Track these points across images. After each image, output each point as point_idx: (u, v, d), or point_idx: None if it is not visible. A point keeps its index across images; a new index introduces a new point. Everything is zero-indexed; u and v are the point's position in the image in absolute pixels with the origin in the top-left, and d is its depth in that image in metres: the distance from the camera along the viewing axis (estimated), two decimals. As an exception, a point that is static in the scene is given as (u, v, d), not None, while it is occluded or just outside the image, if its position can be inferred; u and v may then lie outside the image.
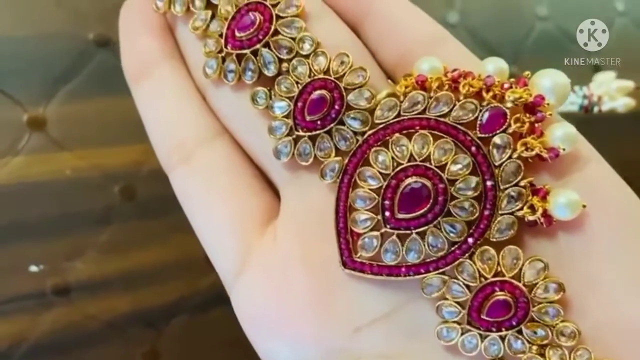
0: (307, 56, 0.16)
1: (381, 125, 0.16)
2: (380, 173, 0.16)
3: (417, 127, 0.16)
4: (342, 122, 0.16)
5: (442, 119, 0.15)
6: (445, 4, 0.35)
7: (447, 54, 0.16)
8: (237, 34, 0.17)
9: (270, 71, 0.16)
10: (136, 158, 0.28)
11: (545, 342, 0.15)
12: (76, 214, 0.27)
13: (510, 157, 0.15)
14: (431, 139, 0.15)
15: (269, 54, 0.16)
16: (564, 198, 0.14)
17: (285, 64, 0.16)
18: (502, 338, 0.15)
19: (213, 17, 0.17)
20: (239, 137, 0.18)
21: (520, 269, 0.15)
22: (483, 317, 0.15)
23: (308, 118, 0.16)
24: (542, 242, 0.15)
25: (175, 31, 0.19)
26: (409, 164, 0.15)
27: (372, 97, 0.16)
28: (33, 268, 0.26)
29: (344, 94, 0.16)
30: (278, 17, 0.16)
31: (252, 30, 0.16)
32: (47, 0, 0.27)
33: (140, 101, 0.19)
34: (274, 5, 0.16)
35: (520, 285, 0.15)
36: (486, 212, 0.15)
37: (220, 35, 0.17)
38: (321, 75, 0.16)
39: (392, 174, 0.15)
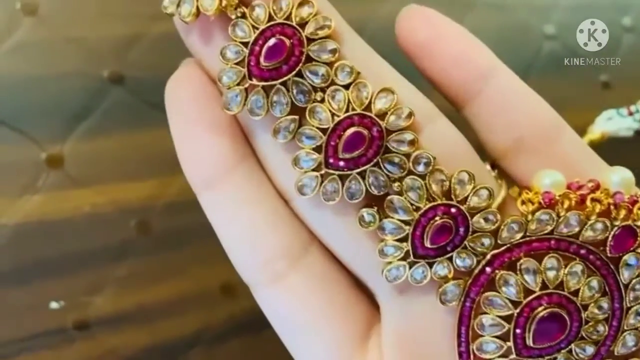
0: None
1: (506, 246, 0.15)
2: (509, 300, 0.15)
3: (546, 249, 0.15)
4: (464, 246, 0.15)
5: (572, 239, 0.15)
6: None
7: (564, 149, 0.16)
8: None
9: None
10: (151, 192, 0.28)
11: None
12: (95, 250, 0.27)
13: (639, 276, 0.15)
14: (562, 262, 0.15)
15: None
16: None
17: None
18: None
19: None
20: (333, 249, 0.16)
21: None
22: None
23: (429, 245, 0.15)
24: None
25: (248, 132, 0.16)
26: (543, 292, 0.15)
27: (496, 220, 0.15)
28: (54, 305, 0.27)
29: (468, 217, 0.15)
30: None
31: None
32: (61, 39, 0.27)
33: (210, 211, 0.17)
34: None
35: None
36: (612, 332, 0.15)
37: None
38: (441, 201, 0.15)
39: (525, 302, 0.15)
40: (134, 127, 0.28)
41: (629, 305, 0.15)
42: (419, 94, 0.16)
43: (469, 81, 0.16)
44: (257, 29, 0.15)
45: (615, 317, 0.15)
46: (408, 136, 0.15)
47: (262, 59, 0.15)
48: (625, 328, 0.15)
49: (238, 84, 0.15)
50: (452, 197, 0.15)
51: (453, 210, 0.15)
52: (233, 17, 0.15)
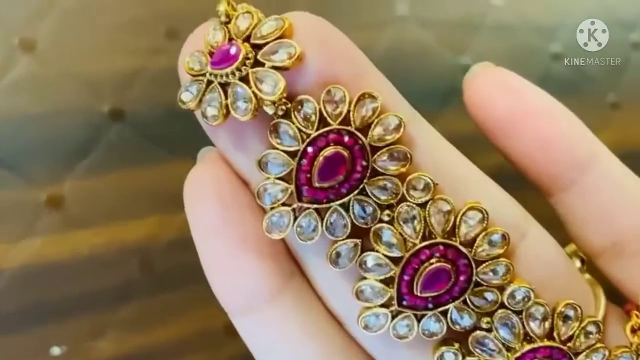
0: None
1: None
2: None
3: None
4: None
5: None
6: (456, 48, 0.35)
7: None
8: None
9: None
10: (153, 230, 0.27)
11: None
12: (97, 292, 0.27)
13: None
14: None
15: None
16: None
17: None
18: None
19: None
20: None
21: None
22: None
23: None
24: None
25: (294, 250, 0.13)
26: None
27: (603, 358, 0.13)
28: (55, 350, 0.26)
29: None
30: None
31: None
32: (60, 75, 0.27)
33: (249, 337, 0.14)
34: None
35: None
36: None
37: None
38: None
39: None
40: (134, 164, 0.27)
41: None
42: (508, 198, 0.13)
43: (560, 170, 0.13)
44: (307, 134, 0.12)
45: None
46: (502, 267, 0.12)
47: (315, 177, 0.12)
48: None
49: (284, 204, 0.13)
50: (555, 335, 0.13)
51: (557, 353, 0.12)
52: (271, 112, 0.12)
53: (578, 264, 0.15)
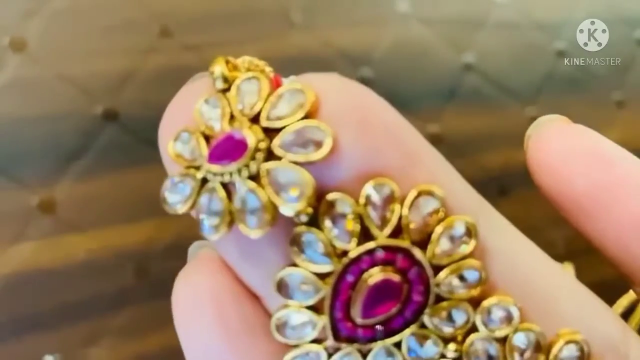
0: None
1: None
2: None
3: None
4: None
5: None
6: (460, 46, 0.35)
7: None
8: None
9: None
10: (149, 235, 0.27)
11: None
12: (91, 298, 0.26)
13: None
14: None
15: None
16: None
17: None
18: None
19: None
20: None
21: None
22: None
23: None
24: None
25: None
26: None
27: None
28: (48, 358, 0.25)
29: None
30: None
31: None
32: (52, 76, 0.26)
33: None
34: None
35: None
36: None
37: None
38: None
39: None
40: (129, 167, 0.27)
41: None
42: (604, 310, 0.11)
43: None
44: (343, 251, 0.09)
45: None
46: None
47: (357, 311, 0.09)
48: None
49: (314, 341, 0.09)
50: None
51: None
52: (291, 213, 0.09)
53: None
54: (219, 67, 0.09)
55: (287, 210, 0.09)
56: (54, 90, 0.26)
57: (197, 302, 0.10)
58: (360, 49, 0.32)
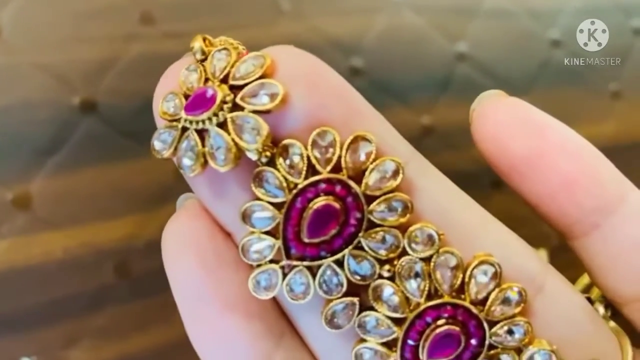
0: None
1: None
2: None
3: None
4: None
5: None
6: (452, 35, 0.34)
7: None
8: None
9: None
10: (130, 231, 0.25)
11: None
12: (69, 298, 0.25)
13: None
14: None
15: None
16: None
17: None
18: None
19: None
20: None
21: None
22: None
23: None
24: None
25: (285, 308, 0.12)
26: None
27: None
28: (24, 361, 0.24)
29: None
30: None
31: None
32: (27, 65, 0.25)
33: None
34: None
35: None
36: None
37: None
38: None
39: None
40: (108, 160, 0.25)
41: None
42: (522, 246, 0.12)
43: (584, 213, 0.12)
44: (294, 184, 0.11)
45: None
46: (520, 328, 0.11)
47: (304, 232, 0.11)
48: None
49: (271, 261, 0.11)
50: None
51: None
52: (254, 158, 0.11)
53: (601, 310, 0.13)
54: (197, 43, 0.12)
55: (249, 145, 0.11)
56: (28, 79, 0.25)
57: (180, 241, 0.12)
58: (351, 38, 0.31)
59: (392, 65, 0.31)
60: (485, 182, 0.31)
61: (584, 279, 0.14)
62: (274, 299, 0.12)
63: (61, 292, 0.25)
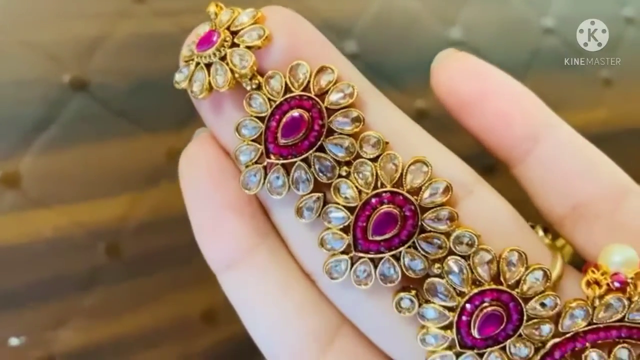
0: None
1: (569, 334, 0.13)
2: None
3: (616, 338, 0.13)
4: (519, 334, 0.13)
5: None
6: (446, 20, 0.33)
7: (632, 212, 0.14)
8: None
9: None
10: (121, 211, 0.25)
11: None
12: (59, 278, 0.24)
13: None
14: (634, 353, 0.13)
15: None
16: None
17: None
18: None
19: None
20: (367, 334, 0.15)
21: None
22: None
23: (478, 336, 0.13)
24: None
25: (269, 209, 0.15)
26: None
27: (555, 305, 0.13)
28: (13, 341, 0.24)
29: (522, 304, 0.13)
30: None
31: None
32: (16, 42, 0.24)
33: (231, 292, 0.16)
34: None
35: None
36: None
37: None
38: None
39: None
40: (99, 139, 0.25)
41: None
42: (455, 159, 0.15)
43: (517, 141, 0.15)
44: (274, 101, 0.14)
45: None
46: (446, 213, 0.14)
47: (279, 135, 0.14)
48: None
49: (256, 162, 0.14)
50: (502, 280, 0.13)
51: (504, 297, 0.13)
52: (248, 88, 0.15)
53: (540, 232, 0.16)
54: (211, 7, 0.16)
55: (241, 70, 0.14)
56: (17, 57, 0.24)
57: (192, 160, 0.16)
58: (345, 20, 0.30)
59: (387, 48, 0.31)
60: (479, 166, 0.31)
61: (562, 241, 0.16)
62: (262, 206, 0.16)
63: (51, 271, 0.24)
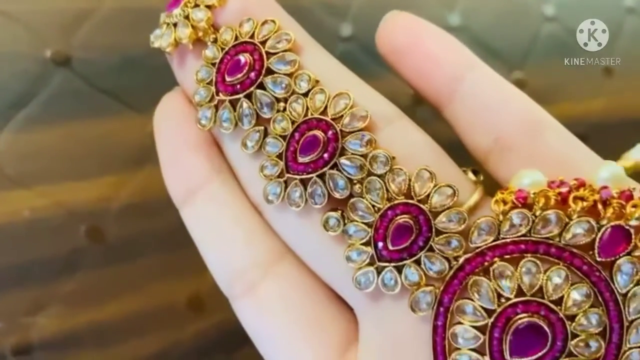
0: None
1: (478, 250, 0.14)
2: (483, 307, 0.14)
3: (522, 252, 0.14)
4: (431, 249, 0.15)
5: (552, 242, 0.13)
6: (446, 4, 0.33)
7: (549, 145, 0.15)
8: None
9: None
10: (104, 193, 0.24)
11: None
12: (37, 261, 0.23)
13: (638, 284, 0.13)
14: (541, 266, 0.14)
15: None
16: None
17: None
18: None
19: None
20: (305, 259, 0.17)
21: None
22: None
23: (391, 247, 0.15)
24: None
25: (223, 146, 0.17)
26: (518, 299, 0.13)
27: (463, 220, 0.14)
28: (-12, 327, 0.23)
29: (430, 216, 0.14)
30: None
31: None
32: (-3, 16, 0.23)
33: (190, 225, 0.18)
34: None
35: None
36: (612, 348, 0.13)
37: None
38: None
39: (499, 310, 0.13)
40: (82, 117, 0.24)
41: (629, 318, 0.13)
42: (379, 96, 0.16)
43: (442, 82, 0.16)
44: (225, 49, 0.17)
45: (614, 331, 0.13)
46: (364, 137, 0.15)
47: (226, 75, 0.16)
48: (629, 346, 0.13)
49: (209, 101, 0.16)
50: (413, 195, 0.15)
51: (413, 209, 0.14)
52: (208, 43, 0.17)
53: (471, 174, 0.16)
54: None
55: (199, 23, 0.17)
56: (-3, 29, 0.23)
57: (164, 108, 0.18)
58: (337, 6, 0.30)
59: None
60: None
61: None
62: (218, 146, 0.18)
63: (28, 255, 0.23)
